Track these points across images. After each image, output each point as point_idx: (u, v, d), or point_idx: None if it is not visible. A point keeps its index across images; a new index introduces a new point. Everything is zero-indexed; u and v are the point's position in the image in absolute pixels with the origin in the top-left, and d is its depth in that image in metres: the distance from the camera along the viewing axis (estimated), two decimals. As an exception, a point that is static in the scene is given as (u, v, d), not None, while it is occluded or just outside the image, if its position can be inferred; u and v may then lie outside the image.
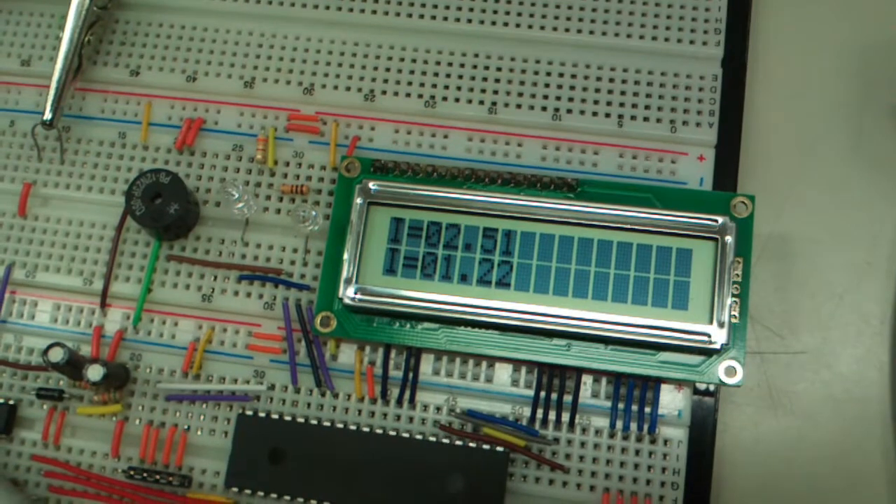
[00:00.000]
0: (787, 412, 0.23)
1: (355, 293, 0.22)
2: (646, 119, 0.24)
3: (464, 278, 0.22)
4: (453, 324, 0.22)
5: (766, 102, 0.24)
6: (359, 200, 0.23)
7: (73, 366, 0.21)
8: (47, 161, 0.25)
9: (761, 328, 0.23)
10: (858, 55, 0.24)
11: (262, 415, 0.22)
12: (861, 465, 0.22)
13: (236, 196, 0.23)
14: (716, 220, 0.22)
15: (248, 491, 0.22)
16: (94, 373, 0.21)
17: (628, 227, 0.22)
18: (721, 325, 0.21)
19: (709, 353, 0.21)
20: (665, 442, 0.22)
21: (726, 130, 0.24)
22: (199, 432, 0.23)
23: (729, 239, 0.22)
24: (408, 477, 0.22)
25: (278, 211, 0.24)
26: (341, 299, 0.22)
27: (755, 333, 0.23)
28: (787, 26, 0.25)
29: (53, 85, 0.24)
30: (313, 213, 0.23)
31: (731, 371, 0.21)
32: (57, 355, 0.21)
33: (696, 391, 0.22)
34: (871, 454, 0.22)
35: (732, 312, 0.21)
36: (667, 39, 0.24)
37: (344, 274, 0.22)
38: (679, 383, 0.22)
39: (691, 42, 0.24)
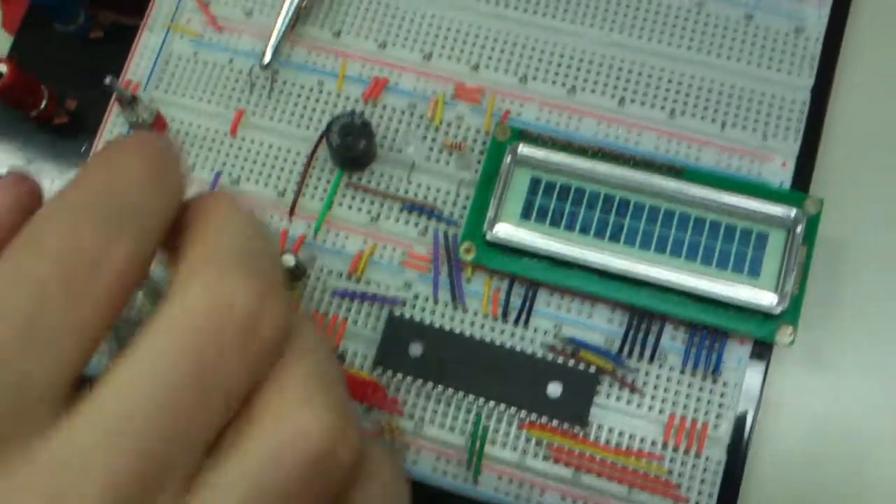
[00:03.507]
0: (825, 374, 0.28)
1: (495, 231, 0.28)
2: (743, 127, 0.29)
3: (583, 230, 0.28)
4: (569, 265, 0.28)
5: (844, 125, 0.30)
6: (507, 159, 0.28)
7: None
8: (256, 95, 0.31)
9: (814, 306, 0.28)
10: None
11: (407, 316, 0.28)
12: (888, 423, 0.28)
13: (412, 143, 0.29)
14: (790, 212, 0.27)
15: (389, 372, 0.28)
16: (287, 260, 0.27)
17: (720, 209, 0.28)
18: (784, 294, 0.27)
19: (770, 315, 0.27)
20: (724, 383, 0.28)
21: (807, 144, 0.29)
22: (355, 323, 0.29)
23: (799, 229, 0.27)
24: (518, 381, 0.28)
25: (438, 160, 0.30)
26: (483, 234, 0.28)
27: (808, 311, 0.28)
28: (871, 65, 0.30)
29: (274, 34, 0.30)
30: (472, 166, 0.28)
31: (785, 333, 0.27)
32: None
33: (754, 345, 0.28)
34: None
35: (794, 286, 0.27)
36: (768, 67, 0.30)
37: (489, 214, 0.28)
38: (742, 338, 0.28)
39: (788, 72, 0.30)
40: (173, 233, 0.17)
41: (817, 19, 0.30)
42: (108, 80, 0.28)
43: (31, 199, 0.18)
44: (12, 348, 0.15)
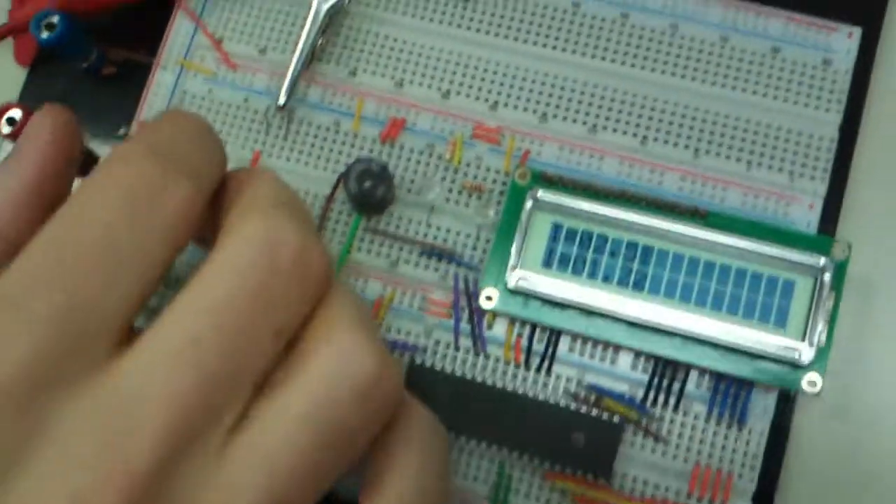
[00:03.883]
0: (852, 422, 0.28)
1: (517, 278, 0.28)
2: (769, 167, 0.29)
3: (606, 279, 0.28)
4: (592, 314, 0.28)
5: (872, 164, 0.29)
6: (528, 205, 0.28)
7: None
8: (273, 136, 0.30)
9: (838, 351, 0.28)
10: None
11: (428, 364, 0.28)
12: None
13: (433, 189, 0.28)
14: (818, 261, 0.27)
15: (411, 422, 0.28)
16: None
17: (746, 256, 0.27)
18: (811, 344, 0.26)
19: (797, 366, 0.26)
20: (749, 431, 0.27)
21: (835, 185, 0.28)
22: (376, 371, 0.29)
23: (827, 276, 0.27)
24: (541, 430, 0.27)
25: (457, 202, 0.29)
26: (505, 281, 0.28)
27: (836, 353, 0.28)
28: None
29: (289, 76, 0.30)
30: (491, 210, 0.28)
31: (812, 383, 0.26)
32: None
33: (780, 394, 0.27)
34: (916, 465, 0.27)
35: (821, 336, 0.26)
36: (795, 103, 0.29)
37: (511, 261, 0.28)
38: (767, 386, 0.27)
39: (816, 108, 0.29)
40: (218, 198, 0.19)
41: (846, 52, 0.29)
42: (121, 130, 0.27)
43: (67, 130, 0.19)
44: (81, 275, 0.16)
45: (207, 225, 0.19)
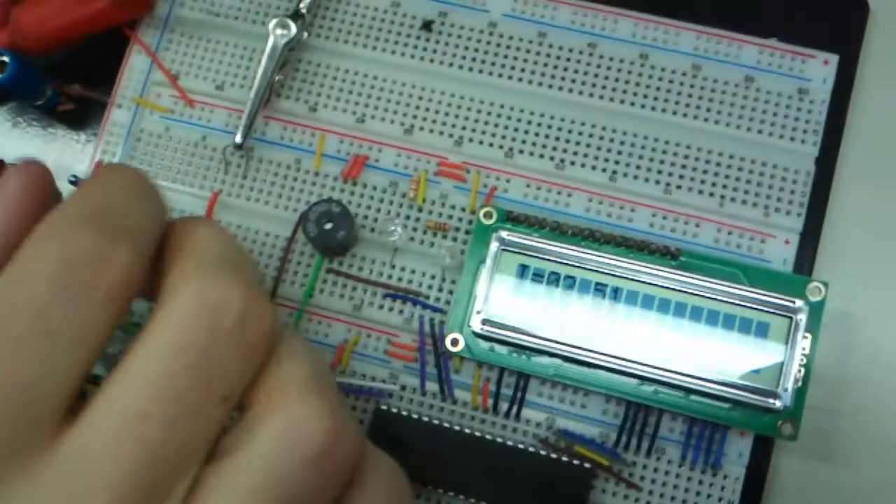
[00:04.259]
0: (833, 462, 0.27)
1: (483, 323, 0.27)
2: (744, 202, 0.28)
3: (575, 321, 0.27)
4: (561, 358, 0.27)
5: (850, 199, 0.28)
6: (493, 246, 0.27)
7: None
8: (232, 175, 0.29)
9: (819, 389, 0.27)
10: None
11: (393, 410, 0.27)
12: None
13: (395, 230, 0.27)
14: (792, 302, 0.26)
15: (377, 471, 0.27)
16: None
17: (719, 298, 0.26)
18: (786, 389, 0.25)
19: (773, 411, 0.26)
20: (724, 476, 0.26)
21: (811, 220, 0.27)
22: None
23: (802, 318, 0.26)
24: (508, 477, 0.27)
25: (422, 242, 0.28)
26: (471, 325, 0.27)
27: (813, 392, 0.27)
28: (877, 135, 0.28)
29: (246, 114, 0.29)
30: (458, 250, 0.27)
31: (788, 428, 0.26)
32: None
33: (756, 438, 0.26)
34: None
35: (797, 378, 0.26)
36: (770, 134, 0.28)
37: (476, 305, 0.27)
38: (743, 431, 0.26)
39: (791, 139, 0.28)
40: (159, 250, 0.18)
41: (822, 80, 0.28)
42: (71, 177, 0.27)
43: (42, 184, 0.18)
44: (18, 360, 0.15)
45: (149, 279, 0.18)
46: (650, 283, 0.26)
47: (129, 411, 0.15)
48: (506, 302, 0.27)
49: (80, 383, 0.16)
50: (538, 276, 0.27)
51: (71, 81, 0.31)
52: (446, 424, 0.27)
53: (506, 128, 0.29)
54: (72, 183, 0.27)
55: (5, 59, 0.28)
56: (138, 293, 0.17)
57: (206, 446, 0.16)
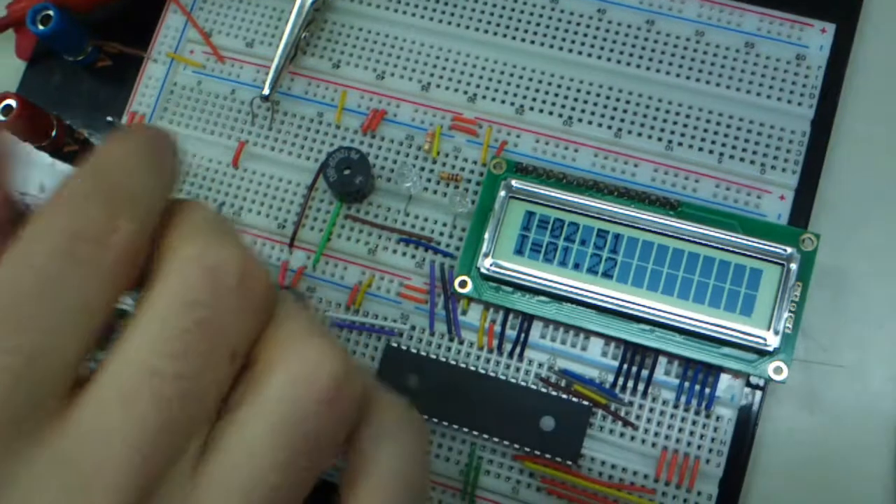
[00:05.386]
0: (819, 412, 0.28)
1: (490, 265, 0.28)
2: (741, 159, 0.29)
3: (576, 266, 0.28)
4: (562, 300, 0.28)
5: (846, 158, 0.29)
6: (502, 193, 0.29)
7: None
8: (258, 126, 0.31)
9: (809, 342, 0.28)
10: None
11: (404, 348, 0.29)
12: (873, 466, 0.28)
13: (411, 179, 0.29)
14: (785, 250, 0.27)
15: (386, 404, 0.28)
16: (286, 297, 0.28)
17: (715, 245, 0.28)
18: (776, 332, 0.27)
19: (763, 353, 0.27)
20: (717, 418, 0.28)
21: (806, 177, 0.29)
22: (353, 354, 0.29)
23: (793, 266, 0.27)
24: (512, 413, 0.28)
25: (435, 192, 0.30)
26: (478, 268, 0.28)
27: (804, 345, 0.28)
28: (871, 100, 0.30)
29: (274, 68, 0.31)
30: (468, 200, 0.29)
31: (778, 370, 0.27)
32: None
33: (747, 382, 0.28)
34: (884, 458, 0.28)
35: (787, 324, 0.27)
36: (769, 97, 0.29)
37: (483, 249, 0.28)
38: (735, 373, 0.28)
39: (789, 101, 0.29)
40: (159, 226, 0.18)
41: (820, 48, 0.29)
42: (110, 118, 0.28)
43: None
44: (28, 327, 0.15)
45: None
46: (650, 230, 0.28)
47: (141, 369, 0.15)
48: (512, 248, 0.28)
49: (87, 353, 0.16)
50: (543, 223, 0.28)
51: (111, 39, 0.33)
52: (453, 363, 0.28)
53: (517, 86, 0.30)
54: (109, 124, 0.29)
55: (50, 12, 0.30)
56: (143, 262, 0.18)
57: (217, 403, 0.17)
